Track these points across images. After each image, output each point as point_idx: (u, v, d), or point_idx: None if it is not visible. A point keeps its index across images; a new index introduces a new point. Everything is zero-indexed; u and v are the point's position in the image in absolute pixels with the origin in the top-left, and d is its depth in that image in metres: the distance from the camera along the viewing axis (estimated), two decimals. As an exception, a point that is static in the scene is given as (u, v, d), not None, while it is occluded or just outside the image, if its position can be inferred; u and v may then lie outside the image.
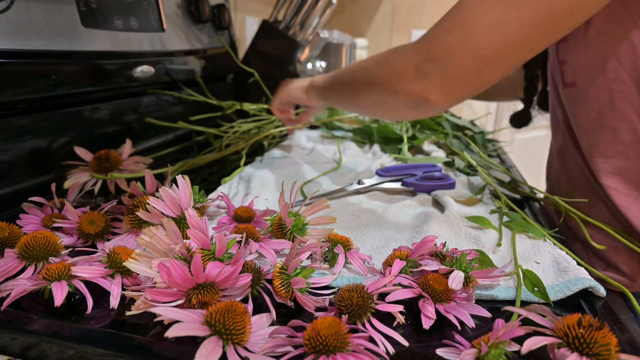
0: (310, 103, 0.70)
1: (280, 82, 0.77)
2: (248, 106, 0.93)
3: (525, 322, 0.30)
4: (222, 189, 0.60)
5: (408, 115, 0.53)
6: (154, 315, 0.29)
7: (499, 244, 0.44)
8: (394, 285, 0.35)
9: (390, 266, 0.36)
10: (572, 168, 0.60)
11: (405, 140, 0.82)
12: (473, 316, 0.32)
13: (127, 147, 0.61)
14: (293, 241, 0.41)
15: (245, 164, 0.71)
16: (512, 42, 0.39)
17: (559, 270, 0.39)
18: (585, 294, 0.36)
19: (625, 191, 0.51)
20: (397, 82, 0.45)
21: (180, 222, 0.39)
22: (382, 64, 0.48)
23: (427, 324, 0.31)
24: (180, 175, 0.41)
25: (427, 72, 0.42)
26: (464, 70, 0.41)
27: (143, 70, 0.71)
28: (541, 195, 0.60)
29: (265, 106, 0.95)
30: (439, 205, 0.56)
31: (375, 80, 0.48)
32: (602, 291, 0.36)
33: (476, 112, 1.02)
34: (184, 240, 0.34)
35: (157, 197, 0.39)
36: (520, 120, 0.72)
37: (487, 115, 2.08)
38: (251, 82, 0.91)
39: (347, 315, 0.30)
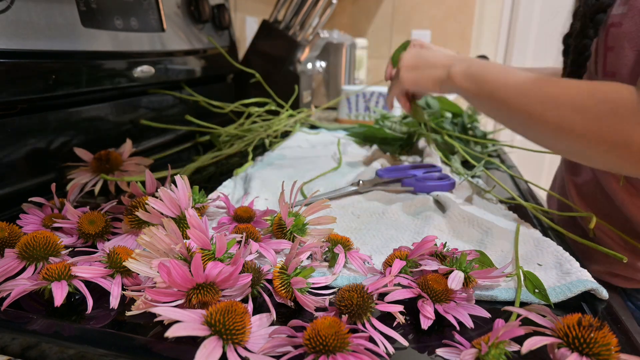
0: (442, 93, 0.60)
1: (404, 52, 0.64)
2: (254, 108, 0.93)
3: (525, 322, 0.30)
4: (222, 189, 0.60)
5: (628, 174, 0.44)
6: (154, 315, 0.29)
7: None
8: (394, 285, 0.35)
9: (390, 266, 0.36)
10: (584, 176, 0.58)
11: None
12: (473, 316, 0.32)
13: (128, 147, 0.61)
14: (293, 241, 0.41)
15: (242, 163, 0.71)
16: None
17: (561, 271, 0.39)
18: (587, 296, 0.36)
19: None
20: (625, 149, 0.38)
21: (180, 222, 0.39)
22: (603, 127, 0.39)
23: (425, 324, 0.31)
24: (179, 175, 0.41)
25: None
26: None
27: (143, 70, 0.71)
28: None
29: (272, 107, 0.95)
30: (439, 205, 0.56)
31: (589, 137, 0.39)
32: (604, 294, 0.35)
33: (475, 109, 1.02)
34: (184, 240, 0.34)
35: (157, 198, 0.39)
36: None
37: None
38: (252, 82, 0.91)
39: (347, 315, 0.30)
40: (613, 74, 0.51)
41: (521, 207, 0.56)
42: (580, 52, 0.60)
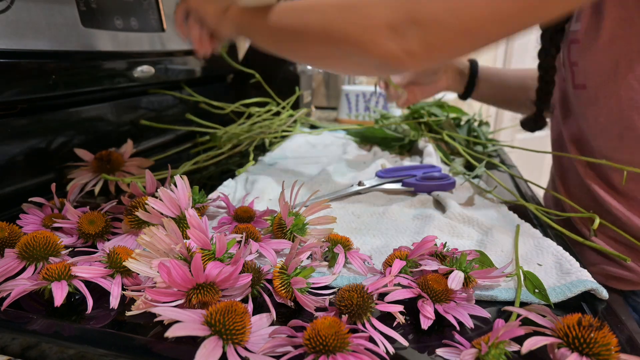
0: (219, 30, 0.54)
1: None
2: (254, 109, 0.93)
3: (525, 322, 0.30)
4: (222, 189, 0.60)
5: (368, 72, 0.47)
6: (154, 315, 0.29)
7: None
8: (394, 285, 0.35)
9: (390, 266, 0.36)
10: (573, 182, 0.59)
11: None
12: (473, 316, 0.32)
13: (129, 148, 0.61)
14: (293, 241, 0.41)
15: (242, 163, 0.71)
16: (503, 17, 0.36)
17: (561, 272, 0.39)
18: (587, 296, 0.36)
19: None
20: (369, 39, 0.39)
21: (180, 222, 0.39)
22: (349, 13, 0.40)
23: (425, 324, 0.31)
24: (178, 175, 0.41)
25: (405, 34, 0.38)
26: (446, 40, 0.38)
27: (143, 70, 0.71)
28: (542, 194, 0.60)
29: (272, 108, 0.95)
30: (439, 205, 0.56)
31: (337, 32, 0.41)
32: (604, 294, 0.35)
33: (474, 109, 1.02)
34: (184, 240, 0.34)
35: (157, 198, 0.39)
36: (537, 124, 0.70)
37: (487, 117, 2.07)
38: (252, 82, 0.91)
39: (347, 315, 0.30)
40: (583, 86, 0.52)
41: (521, 207, 0.56)
42: (546, 70, 0.63)
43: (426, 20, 0.37)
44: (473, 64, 0.82)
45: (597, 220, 0.45)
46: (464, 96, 0.84)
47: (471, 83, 0.81)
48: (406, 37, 0.38)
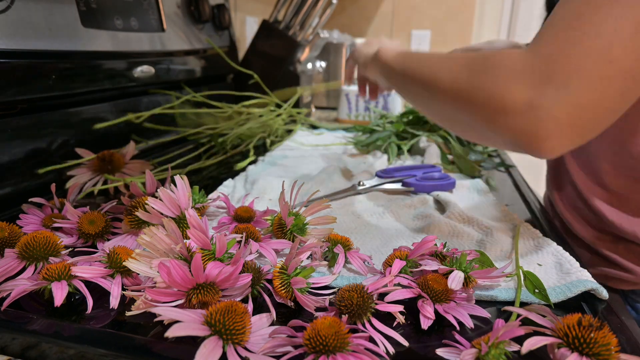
0: (371, 75, 0.58)
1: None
2: (254, 109, 0.93)
3: (525, 322, 0.30)
4: (222, 189, 0.60)
5: (502, 148, 0.40)
6: (154, 315, 0.29)
7: None
8: (394, 285, 0.35)
9: (390, 266, 0.36)
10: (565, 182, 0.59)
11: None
12: (473, 316, 0.32)
13: (130, 149, 0.61)
14: (293, 241, 0.41)
15: (249, 163, 0.71)
16: None
17: (561, 272, 0.39)
18: (587, 296, 0.36)
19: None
20: (501, 115, 0.33)
21: (180, 222, 0.39)
22: (480, 74, 0.34)
23: (425, 324, 0.31)
24: (178, 175, 0.41)
25: (544, 102, 0.30)
26: (594, 95, 0.30)
27: (143, 70, 0.71)
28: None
29: (271, 108, 0.95)
30: (439, 205, 0.56)
31: (463, 93, 0.35)
32: (604, 294, 0.35)
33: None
34: (184, 240, 0.34)
35: (156, 198, 0.39)
36: None
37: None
38: (251, 83, 0.91)
39: (347, 315, 0.30)
40: None
41: (521, 207, 0.56)
42: None
43: (570, 75, 0.30)
44: None
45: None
46: None
47: None
48: (545, 105, 0.31)
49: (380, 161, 0.74)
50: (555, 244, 0.44)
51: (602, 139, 0.51)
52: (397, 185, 0.61)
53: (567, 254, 0.41)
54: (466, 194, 0.60)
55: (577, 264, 0.39)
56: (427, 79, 0.41)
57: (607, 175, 0.52)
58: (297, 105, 1.09)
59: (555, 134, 0.31)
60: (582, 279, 0.36)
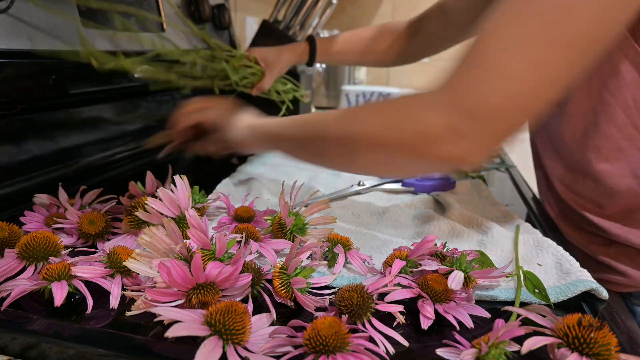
0: (248, 150, 0.55)
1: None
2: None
3: (525, 322, 0.30)
4: (221, 189, 0.60)
5: (426, 172, 0.43)
6: (154, 315, 0.29)
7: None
8: (394, 285, 0.35)
9: (390, 266, 0.36)
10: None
11: None
12: (473, 316, 0.32)
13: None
14: (293, 241, 0.41)
15: (244, 162, 0.71)
16: (550, 82, 0.34)
17: (561, 272, 0.39)
18: (587, 296, 0.36)
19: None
20: (426, 145, 0.35)
21: (180, 222, 0.39)
22: (396, 121, 0.37)
23: (425, 324, 0.31)
24: (178, 175, 0.41)
25: (464, 132, 0.34)
26: (507, 123, 0.34)
27: (143, 70, 0.71)
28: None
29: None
30: (439, 205, 0.56)
31: (387, 140, 0.37)
32: (604, 294, 0.35)
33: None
34: (184, 240, 0.34)
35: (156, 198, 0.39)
36: None
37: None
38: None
39: (347, 315, 0.30)
40: (558, 103, 0.51)
41: (521, 207, 0.56)
42: None
43: (482, 111, 0.34)
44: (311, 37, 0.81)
45: None
46: (310, 62, 0.82)
47: (312, 45, 0.80)
48: (467, 135, 0.34)
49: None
50: (555, 244, 0.44)
51: (563, 164, 0.53)
52: (397, 185, 0.61)
53: (567, 254, 0.41)
54: (466, 194, 0.60)
55: (577, 264, 0.39)
56: (339, 138, 0.41)
57: (584, 189, 0.52)
58: (296, 104, 1.09)
59: (475, 155, 0.35)
60: (582, 279, 0.36)
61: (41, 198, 0.46)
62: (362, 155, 0.40)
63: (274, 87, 0.86)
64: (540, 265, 0.40)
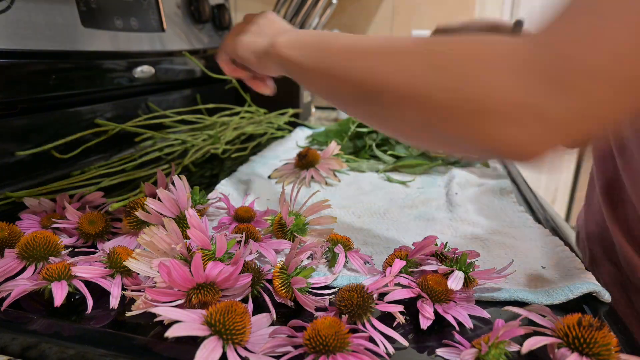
0: (263, 72, 0.47)
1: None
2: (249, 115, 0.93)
3: (526, 322, 0.30)
4: (221, 189, 0.60)
5: (470, 154, 0.33)
6: (154, 315, 0.29)
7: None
8: (394, 285, 0.35)
9: (391, 266, 0.36)
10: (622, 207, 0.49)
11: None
12: (473, 317, 0.32)
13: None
14: (293, 241, 0.41)
15: (242, 162, 0.71)
16: None
17: (564, 273, 0.38)
18: (588, 297, 0.36)
19: None
20: (484, 121, 0.26)
21: (180, 222, 0.39)
22: (450, 80, 0.27)
23: (424, 324, 0.31)
24: (177, 175, 0.41)
25: (544, 109, 0.24)
26: (610, 99, 0.24)
27: (143, 70, 0.71)
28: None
29: (256, 110, 0.94)
30: (440, 205, 0.56)
31: (431, 102, 0.28)
32: (606, 296, 0.35)
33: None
34: (184, 240, 0.34)
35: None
36: None
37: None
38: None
39: (347, 315, 0.30)
40: None
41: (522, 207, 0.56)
42: None
43: (584, 77, 0.23)
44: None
45: None
46: None
47: None
48: (544, 114, 0.24)
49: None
50: (559, 244, 0.43)
51: None
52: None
53: (572, 254, 0.41)
54: (467, 193, 0.60)
55: (582, 265, 0.39)
56: (363, 81, 0.32)
57: None
58: (296, 105, 1.09)
59: (551, 144, 0.25)
60: (585, 281, 0.36)
61: (30, 200, 0.46)
62: (391, 112, 0.31)
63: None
64: (544, 268, 0.40)
